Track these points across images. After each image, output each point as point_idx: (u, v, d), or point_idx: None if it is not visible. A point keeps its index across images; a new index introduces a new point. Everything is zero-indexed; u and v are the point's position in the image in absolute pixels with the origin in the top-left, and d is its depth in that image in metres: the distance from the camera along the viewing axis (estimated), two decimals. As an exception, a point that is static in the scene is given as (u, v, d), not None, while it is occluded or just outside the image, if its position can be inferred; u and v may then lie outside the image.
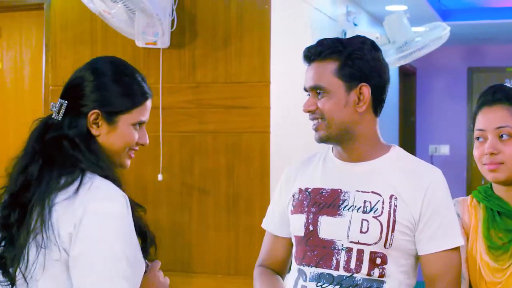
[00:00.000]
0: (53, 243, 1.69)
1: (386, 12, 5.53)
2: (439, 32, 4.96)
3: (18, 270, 1.71)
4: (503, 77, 7.62)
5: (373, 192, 2.01)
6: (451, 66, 8.20)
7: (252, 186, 3.67)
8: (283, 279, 2.21)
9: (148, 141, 1.91)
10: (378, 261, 1.98)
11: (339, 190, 2.05)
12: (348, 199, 2.02)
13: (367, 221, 1.98)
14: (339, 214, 2.02)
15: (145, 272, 1.82)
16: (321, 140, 2.06)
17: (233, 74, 3.72)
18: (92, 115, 1.81)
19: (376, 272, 1.98)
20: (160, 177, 3.75)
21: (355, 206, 2.01)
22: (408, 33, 5.04)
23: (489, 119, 2.06)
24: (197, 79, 3.78)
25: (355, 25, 5.29)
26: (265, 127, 3.65)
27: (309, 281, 2.02)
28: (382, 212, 1.99)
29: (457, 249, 2.02)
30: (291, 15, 4.05)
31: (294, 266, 2.10)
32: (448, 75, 8.23)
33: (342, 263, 1.99)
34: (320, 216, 2.04)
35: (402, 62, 5.13)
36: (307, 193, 2.09)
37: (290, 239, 2.16)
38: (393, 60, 5.02)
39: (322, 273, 2.01)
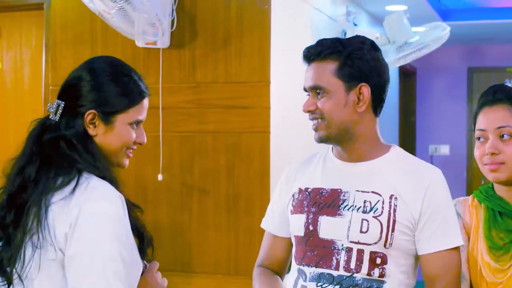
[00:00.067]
0: (49, 243, 1.69)
1: (386, 12, 5.53)
2: (439, 32, 4.96)
3: (14, 270, 1.71)
4: (503, 77, 7.61)
5: (373, 192, 2.01)
6: (451, 66, 8.20)
7: (252, 186, 3.67)
8: (282, 279, 2.21)
9: (146, 140, 1.90)
10: (378, 261, 1.98)
11: (339, 190, 2.04)
12: (348, 199, 2.02)
13: (367, 221, 1.98)
14: (339, 214, 2.01)
15: (142, 273, 1.82)
16: (321, 140, 2.05)
17: (233, 74, 3.71)
18: (89, 115, 1.80)
19: (376, 272, 1.98)
20: (160, 177, 3.75)
21: (355, 206, 2.01)
22: (408, 33, 5.04)
23: (490, 119, 2.05)
24: (197, 79, 3.78)
25: (355, 25, 5.28)
26: (265, 127, 3.65)
27: (309, 281, 2.02)
28: (382, 212, 1.98)
29: (456, 249, 2.01)
30: (291, 15, 4.05)
31: (294, 266, 2.10)
32: (448, 75, 8.23)
33: (342, 263, 1.99)
34: (320, 216, 2.03)
35: (402, 62, 5.13)
36: (307, 193, 2.09)
37: (289, 239, 2.16)
38: (393, 60, 5.01)
39: (322, 273, 2.00)
